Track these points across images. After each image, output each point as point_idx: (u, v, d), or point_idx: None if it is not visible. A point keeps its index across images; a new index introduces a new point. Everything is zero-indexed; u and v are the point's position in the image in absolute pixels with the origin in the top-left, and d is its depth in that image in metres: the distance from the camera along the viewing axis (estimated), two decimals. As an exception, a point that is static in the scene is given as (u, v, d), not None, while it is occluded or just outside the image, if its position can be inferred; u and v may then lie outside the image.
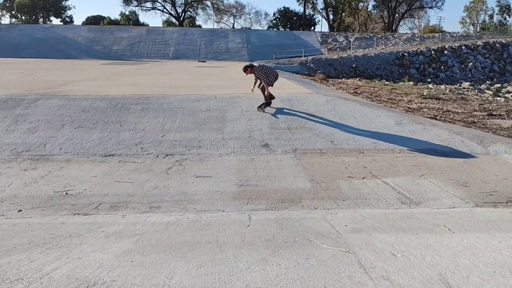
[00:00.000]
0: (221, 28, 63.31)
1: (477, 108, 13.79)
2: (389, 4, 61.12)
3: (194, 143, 7.32)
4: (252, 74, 8.87)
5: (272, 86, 8.91)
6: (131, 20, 68.92)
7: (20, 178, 5.65)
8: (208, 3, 66.56)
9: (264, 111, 8.81)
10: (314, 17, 68.00)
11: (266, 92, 8.80)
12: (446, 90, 21.66)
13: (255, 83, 9.15)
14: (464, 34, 53.20)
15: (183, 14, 65.64)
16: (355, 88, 19.24)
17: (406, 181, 5.64)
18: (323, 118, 8.61)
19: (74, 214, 4.43)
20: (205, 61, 34.48)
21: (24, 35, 41.96)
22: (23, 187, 5.29)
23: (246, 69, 8.80)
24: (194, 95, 10.17)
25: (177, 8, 64.58)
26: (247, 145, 7.27)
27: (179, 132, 7.82)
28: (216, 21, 71.10)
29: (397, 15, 64.21)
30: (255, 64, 9.14)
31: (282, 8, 65.97)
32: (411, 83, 26.25)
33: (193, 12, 68.53)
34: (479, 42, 36.66)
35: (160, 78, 16.64)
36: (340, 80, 25.95)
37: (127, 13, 68.63)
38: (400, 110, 12.31)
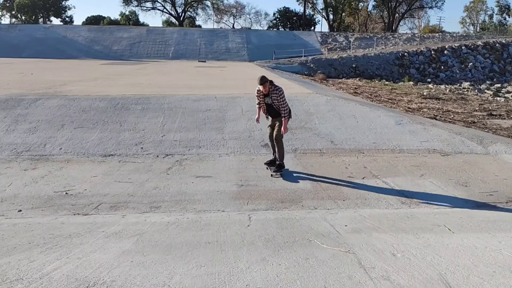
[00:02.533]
0: (221, 28, 63.23)
1: (477, 108, 13.80)
2: (389, 4, 61.10)
3: (194, 143, 7.32)
4: (267, 92, 5.69)
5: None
6: (131, 20, 68.82)
7: (20, 178, 5.65)
8: (208, 3, 66.53)
9: (281, 174, 5.79)
10: (314, 17, 67.99)
11: (283, 131, 5.74)
12: (446, 90, 21.66)
13: (260, 109, 6.01)
14: (464, 34, 53.19)
15: (183, 14, 65.61)
16: (355, 88, 19.25)
17: (406, 181, 5.64)
18: (323, 118, 8.61)
19: (74, 214, 4.43)
20: (205, 61, 34.47)
21: (24, 35, 41.92)
22: (23, 187, 5.29)
23: (265, 81, 5.57)
24: (194, 95, 10.17)
25: (177, 8, 64.57)
26: (247, 145, 7.27)
27: (179, 132, 7.82)
28: (216, 21, 71.05)
29: (397, 15, 64.16)
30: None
31: (282, 8, 65.91)
32: (411, 83, 26.26)
33: (193, 12, 68.49)
34: (479, 42, 36.66)
35: (160, 78, 16.64)
36: (340, 80, 25.95)
37: (127, 13, 68.53)
38: (400, 110, 12.31)
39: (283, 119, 5.71)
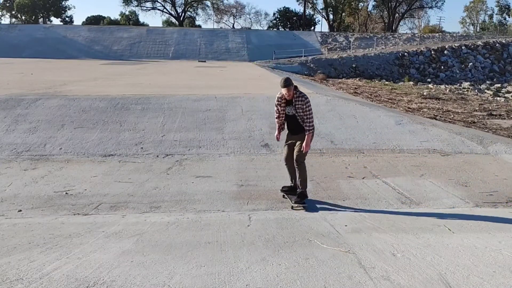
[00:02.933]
0: (221, 28, 63.19)
1: (477, 108, 13.80)
2: (389, 4, 61.08)
3: (194, 143, 7.32)
4: (290, 98, 4.56)
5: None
6: (131, 20, 68.77)
7: (20, 178, 5.65)
8: (208, 3, 66.48)
9: (304, 206, 4.55)
10: (314, 17, 67.95)
11: (305, 149, 4.59)
12: (446, 90, 21.67)
13: (280, 125, 4.90)
14: (464, 34, 53.19)
15: (183, 14, 65.57)
16: (355, 88, 19.25)
17: (406, 181, 5.64)
18: (323, 118, 8.60)
19: (74, 214, 4.43)
20: (205, 61, 34.45)
21: (24, 35, 41.91)
22: (23, 187, 5.29)
23: (289, 84, 4.45)
24: (194, 95, 10.17)
25: (177, 8, 64.53)
26: (247, 145, 7.26)
27: (179, 132, 7.82)
28: (216, 21, 70.98)
29: (397, 15, 64.15)
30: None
31: (282, 8, 65.86)
32: (411, 83, 26.28)
33: (193, 12, 68.45)
34: (479, 42, 36.67)
35: (160, 78, 16.64)
36: (340, 80, 25.95)
37: (127, 13, 68.46)
38: (400, 110, 12.31)
39: (306, 134, 4.56)
